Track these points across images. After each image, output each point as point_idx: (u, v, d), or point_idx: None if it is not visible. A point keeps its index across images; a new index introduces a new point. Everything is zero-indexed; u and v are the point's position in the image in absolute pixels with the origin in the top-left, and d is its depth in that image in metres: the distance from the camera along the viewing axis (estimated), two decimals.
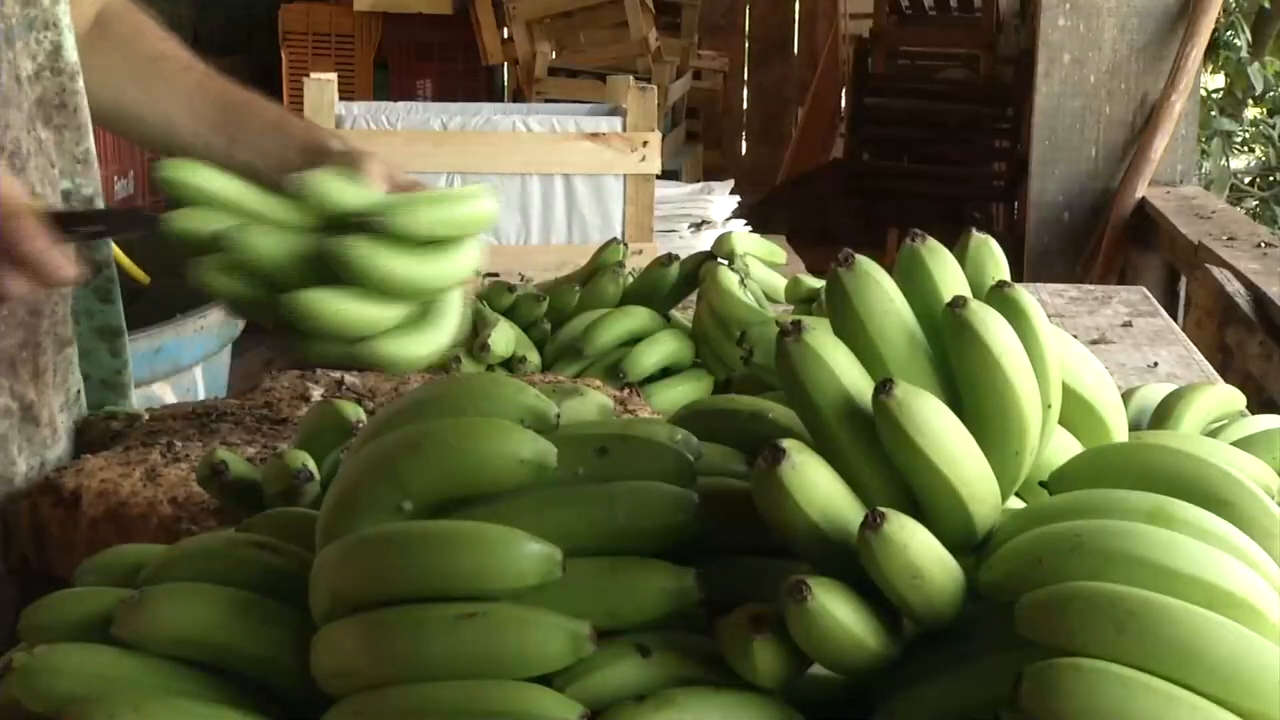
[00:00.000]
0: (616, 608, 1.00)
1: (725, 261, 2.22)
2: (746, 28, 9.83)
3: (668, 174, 5.04)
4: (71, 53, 1.58)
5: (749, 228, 3.78)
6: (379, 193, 1.49)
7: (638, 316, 2.18)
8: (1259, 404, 3.12)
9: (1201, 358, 2.52)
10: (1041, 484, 1.10)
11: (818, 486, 0.97)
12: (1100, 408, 1.18)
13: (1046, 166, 5.17)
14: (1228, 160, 6.41)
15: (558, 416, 1.06)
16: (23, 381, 1.54)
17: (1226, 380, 2.31)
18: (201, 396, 2.59)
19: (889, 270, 1.08)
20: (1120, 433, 1.19)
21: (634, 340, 2.15)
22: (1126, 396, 1.50)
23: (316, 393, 1.76)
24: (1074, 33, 5.08)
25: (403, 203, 1.45)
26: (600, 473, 1.05)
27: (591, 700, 0.95)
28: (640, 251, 3.49)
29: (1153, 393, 1.54)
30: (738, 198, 4.22)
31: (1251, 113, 6.63)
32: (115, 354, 1.74)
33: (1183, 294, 4.64)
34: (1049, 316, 1.10)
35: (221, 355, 2.75)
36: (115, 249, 2.96)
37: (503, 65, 7.10)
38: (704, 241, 3.78)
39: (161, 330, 2.48)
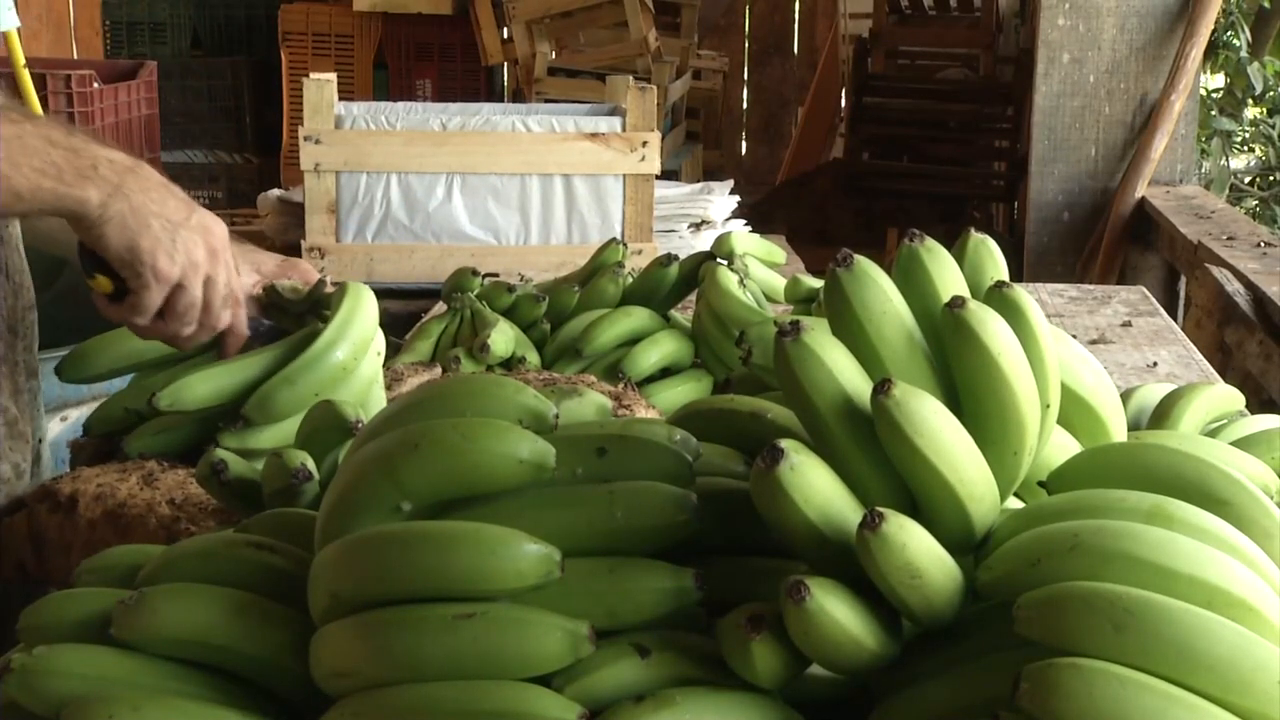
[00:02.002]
0: (615, 608, 1.00)
1: (725, 261, 2.22)
2: (746, 28, 9.83)
3: (667, 174, 5.04)
4: None
5: (748, 228, 3.77)
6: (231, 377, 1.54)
7: (637, 316, 2.18)
8: (1258, 404, 3.12)
9: (1201, 357, 2.52)
10: (1040, 484, 1.10)
11: (816, 487, 0.97)
12: (1099, 407, 1.18)
13: (1046, 166, 5.16)
14: (1227, 160, 6.41)
15: (556, 417, 1.07)
16: (5, 395, 1.54)
17: (1226, 380, 2.31)
18: None
19: (888, 270, 1.08)
20: (1119, 432, 1.19)
21: (633, 340, 2.14)
22: (1126, 396, 1.50)
23: None
24: (1073, 32, 5.08)
25: (260, 396, 1.52)
26: (599, 473, 1.05)
27: (590, 700, 0.95)
28: (640, 251, 3.49)
29: (1152, 392, 1.54)
30: (737, 198, 4.22)
31: (1251, 112, 6.62)
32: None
33: (1182, 294, 4.63)
34: (1048, 316, 1.11)
35: None
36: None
37: (502, 65, 7.09)
38: (703, 241, 3.78)
39: None
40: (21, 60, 3.61)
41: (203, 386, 1.52)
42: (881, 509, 0.94)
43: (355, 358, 1.55)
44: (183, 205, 1.41)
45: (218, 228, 1.44)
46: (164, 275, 1.40)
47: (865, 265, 1.06)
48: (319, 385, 1.51)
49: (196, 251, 1.41)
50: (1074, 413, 1.16)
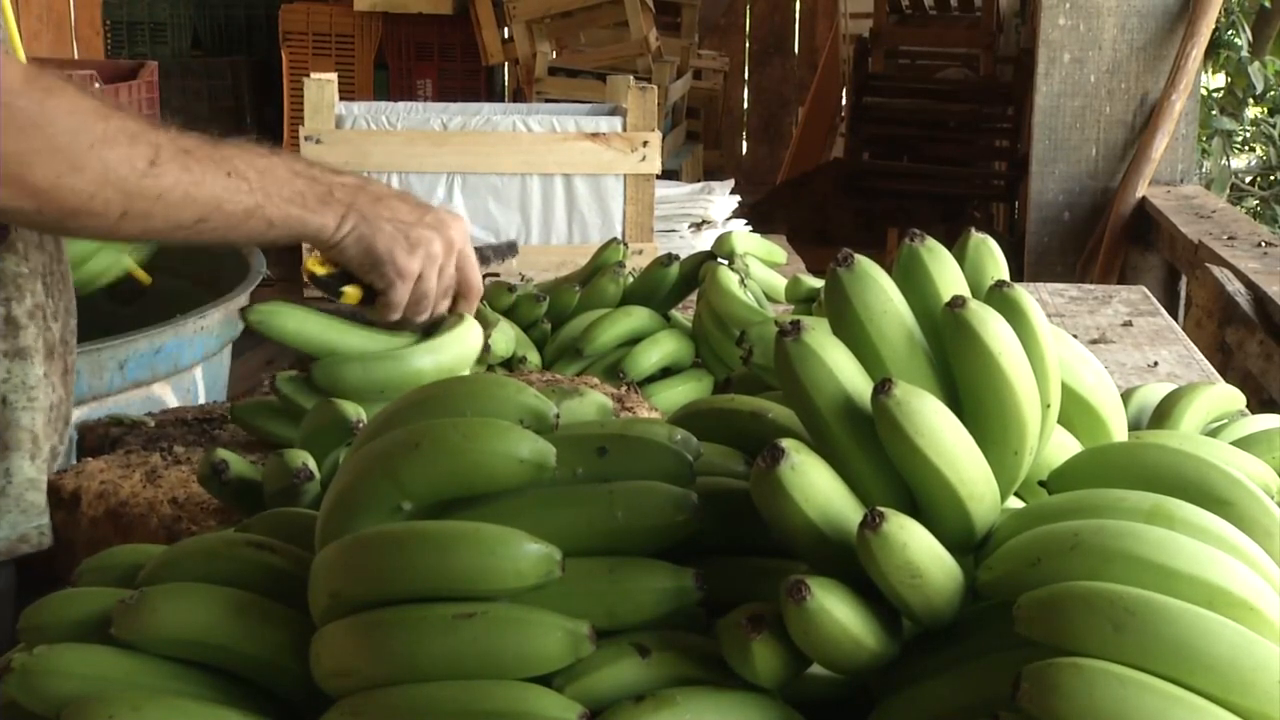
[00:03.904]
0: (616, 608, 1.00)
1: (725, 261, 2.22)
2: (746, 27, 9.83)
3: (668, 174, 5.04)
4: None
5: (749, 227, 3.77)
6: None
7: (638, 316, 2.18)
8: (1259, 403, 3.12)
9: (1201, 357, 2.52)
10: (1041, 483, 1.10)
11: (817, 486, 0.97)
12: (1099, 407, 1.18)
13: (1046, 166, 5.16)
14: (1228, 159, 6.41)
15: (557, 416, 1.07)
16: (56, 375, 1.53)
17: (1226, 380, 2.31)
18: (201, 397, 2.59)
19: (888, 270, 1.08)
20: (1120, 432, 1.19)
21: (634, 340, 2.15)
22: (1126, 396, 1.50)
23: None
24: (1074, 32, 5.08)
25: (329, 361, 1.53)
26: (599, 473, 1.05)
27: (590, 700, 0.95)
28: (640, 251, 3.49)
29: (1152, 392, 1.54)
30: (738, 197, 4.22)
31: (1252, 112, 6.61)
32: None
33: (1183, 293, 4.63)
34: (1049, 316, 1.11)
35: (221, 355, 2.75)
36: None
37: (503, 65, 7.09)
38: (704, 241, 3.78)
39: (161, 330, 2.47)
40: (22, 55, 3.58)
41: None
42: (882, 509, 0.94)
43: (437, 374, 1.54)
44: (415, 208, 1.49)
45: (454, 224, 1.51)
46: (406, 270, 1.47)
47: (866, 265, 1.06)
48: (391, 382, 1.51)
49: (434, 245, 1.48)
50: (1074, 412, 1.16)
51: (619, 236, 3.22)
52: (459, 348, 1.58)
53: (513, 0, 6.29)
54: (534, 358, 2.17)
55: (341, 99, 3.79)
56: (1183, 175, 5.18)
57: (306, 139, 3.66)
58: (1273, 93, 6.41)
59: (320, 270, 1.51)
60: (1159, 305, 2.93)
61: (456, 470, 1.01)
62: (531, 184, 3.80)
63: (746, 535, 1.06)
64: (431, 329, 1.59)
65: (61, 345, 1.54)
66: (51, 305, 1.50)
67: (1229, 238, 4.12)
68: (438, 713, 0.94)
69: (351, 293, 1.52)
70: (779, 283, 2.31)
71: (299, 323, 1.53)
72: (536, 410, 1.06)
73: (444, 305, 1.54)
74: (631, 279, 2.28)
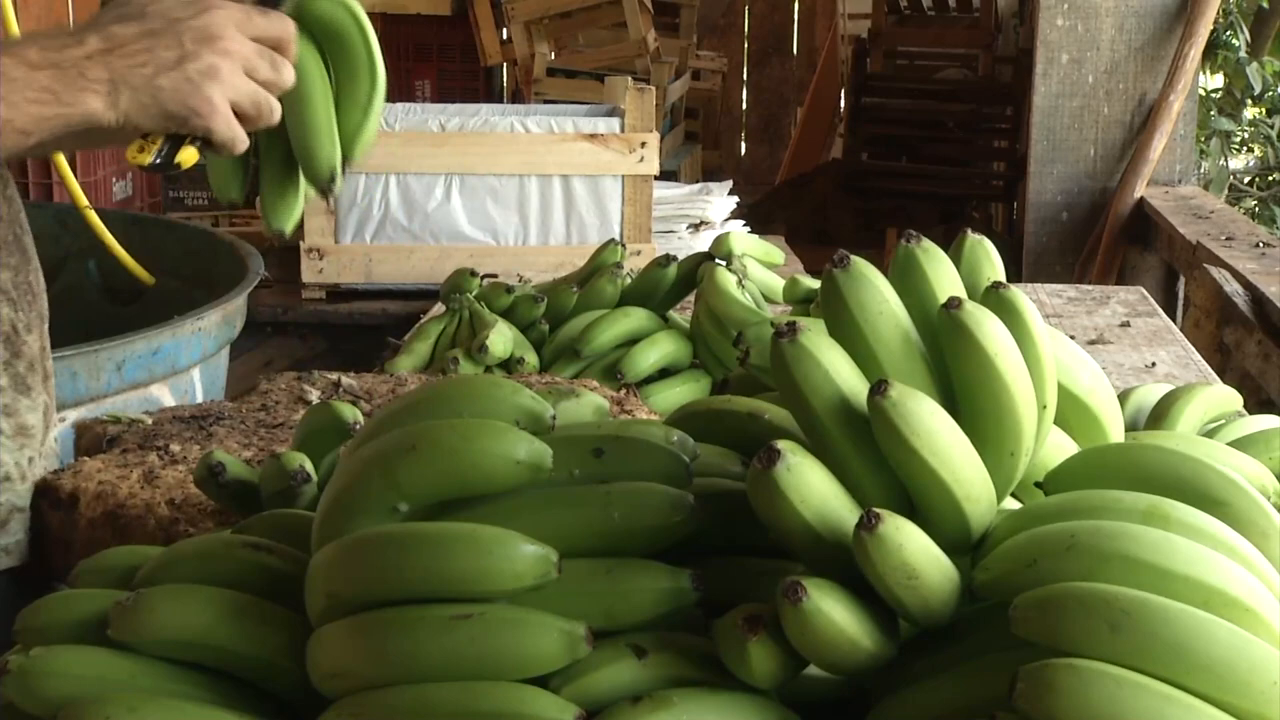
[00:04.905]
0: (612, 608, 1.00)
1: (723, 262, 2.22)
2: (745, 28, 9.83)
3: (666, 174, 5.04)
4: None
5: (747, 228, 3.78)
6: None
7: (636, 317, 2.19)
8: (1256, 404, 3.12)
9: (1199, 358, 2.52)
10: (1037, 484, 1.10)
11: (813, 487, 0.97)
12: (1096, 408, 1.18)
13: (1045, 166, 5.16)
14: (1226, 160, 6.41)
15: (553, 418, 1.07)
16: (42, 381, 1.53)
17: (1224, 380, 2.32)
18: (199, 398, 2.59)
19: (887, 271, 1.08)
20: (1116, 433, 1.19)
21: (632, 341, 2.15)
22: (1124, 397, 1.50)
23: (313, 395, 1.77)
24: (1072, 32, 5.08)
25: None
26: (596, 474, 1.05)
27: (587, 701, 0.95)
28: (638, 252, 3.50)
29: (1150, 393, 1.54)
30: (736, 198, 4.22)
31: (1250, 112, 6.61)
32: None
33: (1181, 294, 4.64)
34: (1047, 317, 1.11)
35: (219, 357, 2.75)
36: (120, 250, 2.94)
37: (501, 66, 7.09)
38: (702, 242, 3.78)
39: (159, 331, 2.48)
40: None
41: None
42: (878, 510, 0.95)
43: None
44: (168, 33, 1.28)
45: (212, 17, 1.30)
46: (210, 108, 1.29)
47: (862, 266, 1.06)
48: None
49: (218, 65, 1.28)
50: (1071, 413, 1.16)
51: (617, 237, 3.22)
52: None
53: (511, 1, 6.29)
54: (532, 359, 2.17)
55: None
56: (1181, 176, 5.17)
57: None
58: (1271, 93, 6.41)
59: (146, 158, 1.30)
60: (1157, 306, 2.93)
61: (453, 471, 1.01)
62: (530, 185, 3.80)
63: (743, 536, 1.06)
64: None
65: (40, 354, 1.53)
66: (23, 319, 1.48)
67: (1227, 238, 4.12)
68: (435, 713, 0.94)
69: (188, 154, 1.32)
70: (777, 283, 2.31)
71: None
72: (533, 411, 1.06)
73: (288, 74, 1.33)
74: (629, 280, 2.28)
